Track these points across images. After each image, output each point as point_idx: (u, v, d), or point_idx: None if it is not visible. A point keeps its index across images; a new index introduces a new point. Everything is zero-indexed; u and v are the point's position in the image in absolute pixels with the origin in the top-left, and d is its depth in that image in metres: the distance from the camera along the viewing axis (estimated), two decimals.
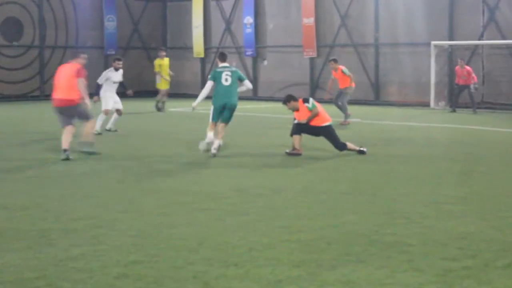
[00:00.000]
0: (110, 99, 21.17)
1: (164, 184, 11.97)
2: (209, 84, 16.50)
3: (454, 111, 29.91)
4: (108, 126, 21.31)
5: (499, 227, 8.67)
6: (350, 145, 15.95)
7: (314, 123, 15.82)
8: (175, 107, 30.95)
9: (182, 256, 7.38)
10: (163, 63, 30.57)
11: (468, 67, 30.16)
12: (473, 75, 29.99)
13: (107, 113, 21.02)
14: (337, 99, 24.86)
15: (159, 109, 29.78)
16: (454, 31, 33.21)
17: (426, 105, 32.39)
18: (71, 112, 15.55)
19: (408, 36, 34.29)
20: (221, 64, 16.74)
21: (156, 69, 30.60)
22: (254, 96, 40.23)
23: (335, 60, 25.54)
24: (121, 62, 21.75)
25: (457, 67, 30.49)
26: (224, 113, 16.35)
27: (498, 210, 9.76)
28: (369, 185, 11.95)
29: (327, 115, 16.10)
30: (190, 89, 39.58)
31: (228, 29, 41.90)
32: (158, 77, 30.58)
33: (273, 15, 40.00)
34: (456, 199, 10.55)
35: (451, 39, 33.11)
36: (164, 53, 31.15)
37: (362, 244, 7.86)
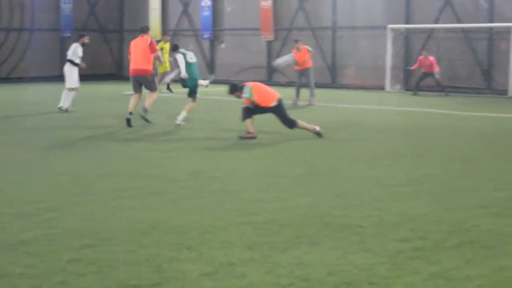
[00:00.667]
0: (76, 75, 21.31)
1: (120, 168, 11.93)
2: (180, 57, 18.59)
3: (415, 94, 30.24)
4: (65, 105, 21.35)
5: (449, 209, 8.80)
6: (301, 123, 15.88)
7: (262, 104, 15.81)
8: (130, 90, 30.70)
9: (135, 239, 7.38)
10: (165, 46, 31.03)
11: (431, 57, 30.39)
12: (436, 65, 30.28)
13: (76, 90, 21.18)
14: (303, 79, 25.22)
15: (170, 90, 30.67)
16: (411, 15, 33.45)
17: (382, 88, 32.62)
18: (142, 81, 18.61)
19: (366, 19, 34.46)
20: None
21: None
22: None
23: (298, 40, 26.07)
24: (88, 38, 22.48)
25: (421, 57, 30.71)
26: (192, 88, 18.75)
27: (449, 191, 9.90)
28: (323, 168, 12.03)
29: (273, 94, 16.02)
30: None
31: (185, 11, 41.71)
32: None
33: None
34: (409, 181, 10.68)
35: (407, 22, 33.35)
36: (168, 38, 32.29)
37: (315, 226, 7.92)
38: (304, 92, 25.13)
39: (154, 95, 18.80)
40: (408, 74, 33.44)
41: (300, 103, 24.56)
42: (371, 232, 7.70)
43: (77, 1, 41.13)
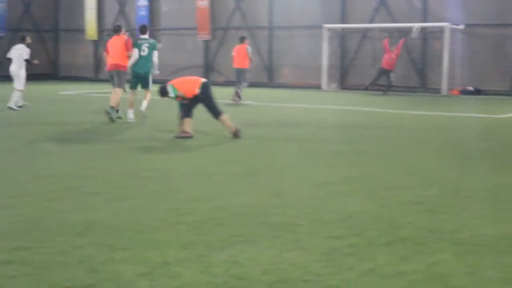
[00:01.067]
0: (23, 77, 22.64)
1: (55, 168, 11.76)
2: (135, 51, 18.99)
3: (386, 93, 30.14)
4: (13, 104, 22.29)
5: (384, 206, 8.89)
6: (226, 118, 15.72)
7: (190, 94, 15.66)
8: (66, 90, 30.39)
9: (70, 240, 7.29)
10: None
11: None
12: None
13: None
14: (242, 78, 25.55)
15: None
16: (346, 15, 33.76)
17: (319, 87, 32.86)
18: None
19: (302, 19, 34.67)
20: (142, 36, 19.28)
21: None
22: None
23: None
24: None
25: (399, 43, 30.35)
26: (140, 80, 19.22)
27: (384, 189, 10.00)
28: (260, 167, 12.06)
29: (196, 81, 15.95)
30: (82, 72, 39.02)
31: (122, 11, 41.43)
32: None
33: None
34: (345, 179, 10.75)
35: (343, 22, 33.65)
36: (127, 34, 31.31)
37: (251, 225, 7.93)
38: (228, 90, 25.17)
39: (119, 92, 19.68)
40: (344, 73, 33.75)
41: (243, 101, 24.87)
42: (306, 230, 7.74)
43: (11, 0, 40.52)
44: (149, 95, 19.33)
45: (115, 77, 19.98)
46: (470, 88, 30.17)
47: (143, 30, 19.72)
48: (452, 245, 7.12)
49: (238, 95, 25.38)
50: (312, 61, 33.81)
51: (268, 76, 35.93)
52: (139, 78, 19.25)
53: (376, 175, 11.20)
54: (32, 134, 16.52)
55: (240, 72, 25.82)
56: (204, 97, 15.73)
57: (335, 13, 33.85)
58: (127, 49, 19.53)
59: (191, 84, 15.82)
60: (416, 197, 9.46)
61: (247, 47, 26.12)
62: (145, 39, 19.37)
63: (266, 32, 36.20)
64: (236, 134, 15.54)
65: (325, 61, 33.05)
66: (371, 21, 33.00)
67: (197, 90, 15.60)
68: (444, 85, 30.08)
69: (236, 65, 25.99)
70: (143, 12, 39.89)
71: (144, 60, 19.07)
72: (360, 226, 7.88)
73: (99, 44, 41.36)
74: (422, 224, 7.96)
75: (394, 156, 13.28)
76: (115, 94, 19.51)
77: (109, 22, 41.88)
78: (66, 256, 6.75)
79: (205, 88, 15.72)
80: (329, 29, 33.14)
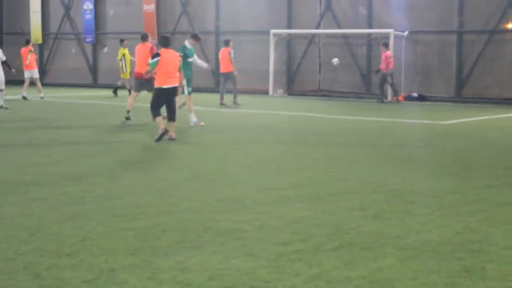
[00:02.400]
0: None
1: None
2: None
3: (382, 102, 29.63)
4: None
5: (330, 211, 8.94)
6: (159, 119, 15.94)
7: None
8: (12, 94, 29.97)
9: (14, 247, 7.19)
10: (126, 52, 31.18)
11: (387, 53, 29.83)
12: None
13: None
14: (231, 82, 26.15)
15: (115, 93, 31.68)
16: (293, 20, 33.93)
17: (266, 92, 32.95)
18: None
19: (249, 24, 34.74)
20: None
21: (119, 57, 31.30)
22: (94, 83, 39.74)
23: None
24: None
25: (386, 54, 29.85)
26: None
27: (330, 194, 10.07)
28: (206, 172, 12.04)
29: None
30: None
31: (67, 14, 41.07)
32: (124, 66, 31.34)
33: (113, 2, 39.58)
34: (291, 185, 10.79)
35: (289, 27, 33.79)
36: (126, 42, 31.66)
37: (197, 231, 7.91)
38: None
39: (132, 96, 20.73)
40: (291, 79, 33.91)
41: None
42: (253, 236, 7.75)
43: None
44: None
45: (144, 84, 19.93)
46: (415, 94, 30.52)
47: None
48: (396, 250, 7.20)
49: (222, 101, 26.89)
50: (259, 67, 33.89)
51: (214, 81, 35.89)
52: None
53: (321, 181, 11.27)
54: None
55: (226, 77, 26.51)
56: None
57: (281, 19, 34.00)
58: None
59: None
60: (361, 202, 9.53)
61: (230, 50, 26.62)
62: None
63: (213, 37, 36.19)
64: (160, 136, 15.63)
65: (272, 67, 33.16)
66: (317, 27, 33.21)
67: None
68: (389, 92, 30.37)
69: (221, 69, 26.81)
70: (89, 16, 39.61)
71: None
72: (306, 231, 7.92)
73: (35, 48, 40.89)
74: (367, 230, 8.02)
75: (339, 162, 13.37)
76: (131, 98, 20.61)
77: (55, 26, 41.52)
78: (10, 263, 6.66)
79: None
80: (275, 34, 33.26)
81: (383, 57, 29.41)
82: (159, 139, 15.46)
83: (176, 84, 16.23)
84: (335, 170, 12.32)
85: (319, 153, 14.54)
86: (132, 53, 27.63)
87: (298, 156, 14.05)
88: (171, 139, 15.73)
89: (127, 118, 20.00)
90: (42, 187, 10.42)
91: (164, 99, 16.14)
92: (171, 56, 16.25)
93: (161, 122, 15.83)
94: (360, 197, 9.89)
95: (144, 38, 21.26)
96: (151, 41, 21.14)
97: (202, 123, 18.94)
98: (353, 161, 13.46)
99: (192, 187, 10.63)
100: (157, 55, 16.11)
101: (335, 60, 30.72)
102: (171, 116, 16.07)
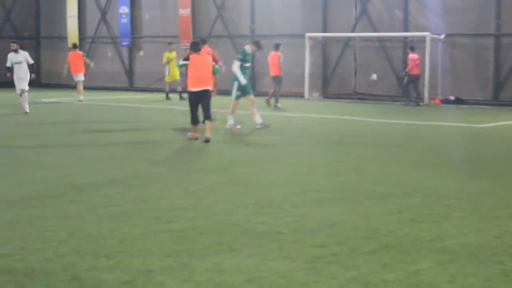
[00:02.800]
0: (16, 80, 24.01)
1: (37, 176, 11.74)
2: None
3: (418, 104, 29.47)
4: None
5: (365, 215, 8.93)
6: (194, 126, 16.77)
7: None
8: (48, 97, 30.28)
9: (52, 248, 7.28)
10: (171, 55, 31.75)
11: (413, 55, 29.77)
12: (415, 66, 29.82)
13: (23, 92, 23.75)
14: (276, 86, 27.51)
15: (168, 97, 31.60)
16: (328, 24, 33.86)
17: (302, 96, 32.93)
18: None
19: (284, 27, 34.73)
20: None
21: (164, 61, 32.03)
22: (130, 86, 39.98)
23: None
24: (14, 44, 24.73)
25: (412, 55, 29.74)
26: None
27: (365, 198, 10.05)
28: (241, 175, 12.07)
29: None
30: (64, 80, 38.71)
31: (103, 19, 41.38)
32: (166, 69, 32.06)
33: (149, 5, 39.76)
34: (327, 188, 10.79)
35: (324, 31, 33.73)
36: (173, 46, 32.32)
37: (234, 233, 7.94)
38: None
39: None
40: (326, 82, 33.87)
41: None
42: (289, 238, 7.76)
43: None
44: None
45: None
46: (452, 98, 30.31)
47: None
48: (433, 253, 7.17)
49: (268, 102, 27.55)
50: (295, 70, 33.85)
51: (250, 85, 35.95)
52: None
53: (357, 184, 11.24)
54: (7, 141, 16.47)
55: (274, 80, 27.03)
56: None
57: (317, 22, 33.94)
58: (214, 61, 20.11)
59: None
60: (397, 206, 9.50)
61: (279, 55, 27.03)
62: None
63: (249, 41, 36.23)
64: (206, 140, 16.24)
65: (307, 70, 33.13)
66: (352, 30, 33.13)
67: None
68: (426, 94, 30.20)
69: (271, 73, 27.42)
70: (125, 20, 39.86)
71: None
72: (342, 234, 7.92)
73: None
74: (404, 233, 8.00)
75: (375, 165, 13.33)
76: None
77: (91, 30, 41.83)
78: (49, 263, 6.75)
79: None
80: (311, 38, 33.24)
81: (408, 60, 29.49)
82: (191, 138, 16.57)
83: (208, 87, 16.73)
84: (370, 173, 12.28)
85: (353, 156, 14.50)
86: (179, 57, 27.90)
87: (334, 159, 14.02)
88: (206, 140, 15.98)
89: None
90: (79, 190, 10.52)
91: (197, 102, 16.69)
92: (201, 61, 16.73)
93: (194, 129, 16.72)
94: (396, 201, 9.86)
95: (203, 42, 21.28)
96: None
97: (239, 126, 19.09)
98: (389, 164, 13.40)
99: (227, 190, 10.66)
100: (187, 59, 16.78)
101: (374, 76, 30.91)
102: (207, 116, 16.63)
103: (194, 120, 16.77)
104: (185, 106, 19.18)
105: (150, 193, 10.33)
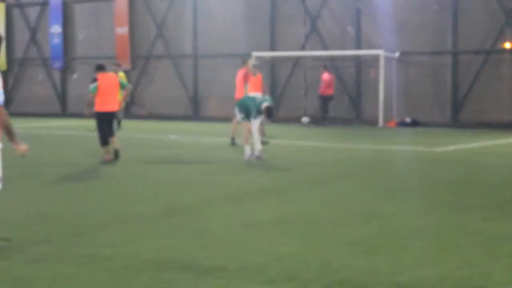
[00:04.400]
0: None
1: None
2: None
3: (324, 125, 30.45)
4: None
5: (317, 247, 8.91)
6: (114, 141, 17.73)
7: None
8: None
9: None
10: (121, 75, 29.45)
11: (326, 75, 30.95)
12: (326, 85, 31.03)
13: None
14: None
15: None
16: (276, 42, 34.05)
17: None
18: None
19: (229, 47, 34.84)
20: None
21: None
22: (62, 112, 39.66)
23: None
24: None
25: (325, 75, 30.93)
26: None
27: (318, 229, 10.04)
28: (183, 206, 11.98)
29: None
30: None
31: (33, 38, 41.05)
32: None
33: (83, 24, 39.59)
34: (275, 219, 10.75)
35: (272, 49, 33.90)
36: (120, 67, 30.00)
37: (175, 270, 7.85)
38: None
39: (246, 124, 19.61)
40: (275, 104, 33.92)
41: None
42: (236, 275, 7.70)
43: None
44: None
45: None
46: (408, 120, 30.65)
47: None
48: None
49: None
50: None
51: (193, 108, 35.92)
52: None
53: (308, 213, 11.23)
54: None
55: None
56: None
57: (264, 41, 34.12)
58: (245, 80, 21.75)
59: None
60: (351, 237, 9.51)
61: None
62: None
63: (191, 61, 36.26)
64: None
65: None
66: (302, 49, 33.35)
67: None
68: (380, 117, 30.49)
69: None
70: (57, 40, 39.61)
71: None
72: (293, 269, 7.88)
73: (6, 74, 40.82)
74: (359, 266, 7.99)
75: (328, 193, 13.35)
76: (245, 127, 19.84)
77: (20, 51, 41.45)
78: None
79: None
80: (258, 58, 33.38)
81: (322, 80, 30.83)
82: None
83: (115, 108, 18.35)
84: (322, 202, 12.31)
85: (304, 183, 14.52)
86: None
87: (282, 187, 14.00)
88: (116, 153, 17.59)
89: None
90: (4, 226, 10.33)
91: (107, 122, 17.90)
92: (108, 81, 18.04)
93: (106, 150, 17.65)
94: (350, 231, 9.87)
95: (243, 62, 22.62)
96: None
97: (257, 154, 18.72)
98: (342, 192, 13.44)
99: (167, 223, 10.56)
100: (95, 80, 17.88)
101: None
102: (112, 133, 17.89)
103: (105, 141, 17.62)
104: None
105: (82, 228, 10.16)
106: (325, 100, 31.12)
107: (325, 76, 30.55)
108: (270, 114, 18.25)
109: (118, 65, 30.71)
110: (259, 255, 8.53)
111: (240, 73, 23.08)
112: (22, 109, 40.04)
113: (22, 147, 8.63)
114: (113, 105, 17.96)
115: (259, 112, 18.00)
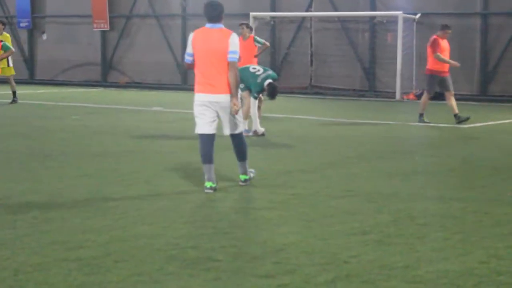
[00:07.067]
0: None
1: None
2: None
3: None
4: None
5: (322, 236, 8.93)
6: None
7: None
8: None
9: None
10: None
11: None
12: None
13: None
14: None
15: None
16: (277, 1, 33.94)
17: None
18: None
19: (224, 6, 34.70)
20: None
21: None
22: (30, 78, 39.63)
23: (247, 26, 24.99)
24: None
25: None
26: None
27: (323, 216, 10.06)
28: (167, 188, 11.98)
29: None
30: None
31: None
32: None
33: None
34: (274, 204, 10.77)
35: (273, 10, 33.82)
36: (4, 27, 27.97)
37: (158, 261, 7.87)
38: None
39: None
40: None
41: None
42: (227, 267, 7.72)
43: None
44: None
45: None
46: None
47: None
48: (406, 284, 7.20)
49: None
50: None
51: (181, 77, 35.87)
52: None
53: (313, 199, 11.25)
54: None
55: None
56: None
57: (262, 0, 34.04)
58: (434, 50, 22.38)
59: None
60: (362, 225, 9.53)
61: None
62: None
63: (179, 21, 36.17)
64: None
65: None
66: (307, 9, 33.27)
67: None
68: (398, 88, 30.44)
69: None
70: None
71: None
72: (293, 261, 7.90)
73: None
74: (369, 259, 8.02)
75: (335, 175, 13.37)
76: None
77: None
78: None
79: None
80: (256, 18, 33.27)
81: None
82: None
83: None
84: (329, 185, 12.31)
85: (308, 164, 14.53)
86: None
87: (282, 169, 14.00)
88: None
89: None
90: None
91: None
92: None
93: None
94: (360, 219, 9.90)
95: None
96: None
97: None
98: (352, 174, 13.46)
99: (150, 206, 10.59)
100: None
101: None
102: None
103: None
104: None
105: (52, 212, 10.18)
106: None
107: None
108: (273, 93, 17.88)
109: (3, 24, 28.19)
110: (254, 245, 8.56)
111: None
112: None
113: None
114: None
115: (261, 90, 17.92)
